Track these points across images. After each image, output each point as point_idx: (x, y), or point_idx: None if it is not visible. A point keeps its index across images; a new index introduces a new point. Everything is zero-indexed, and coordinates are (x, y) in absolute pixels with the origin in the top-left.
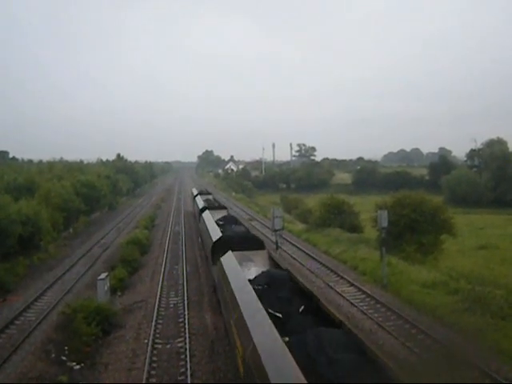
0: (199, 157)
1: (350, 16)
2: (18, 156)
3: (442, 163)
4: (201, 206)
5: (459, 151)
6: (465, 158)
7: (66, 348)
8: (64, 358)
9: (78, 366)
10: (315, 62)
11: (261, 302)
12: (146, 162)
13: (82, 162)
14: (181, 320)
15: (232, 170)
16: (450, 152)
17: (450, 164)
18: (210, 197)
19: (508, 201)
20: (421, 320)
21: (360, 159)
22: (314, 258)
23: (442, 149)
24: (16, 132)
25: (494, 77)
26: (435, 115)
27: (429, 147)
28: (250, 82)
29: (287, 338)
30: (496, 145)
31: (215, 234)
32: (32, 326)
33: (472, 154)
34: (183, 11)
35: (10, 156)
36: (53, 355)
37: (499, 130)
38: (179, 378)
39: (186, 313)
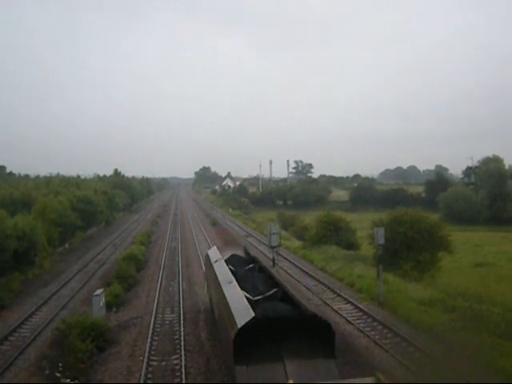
0: (196, 173)
1: (348, 30)
2: (15, 171)
3: (439, 181)
4: None
5: (456, 169)
6: (461, 176)
7: (60, 364)
8: (58, 374)
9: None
10: (314, 79)
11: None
12: (142, 177)
13: (79, 177)
14: (176, 337)
15: (229, 186)
16: (446, 170)
17: (447, 181)
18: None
19: (504, 218)
20: (418, 338)
21: (357, 176)
22: (310, 275)
23: (438, 166)
24: (13, 147)
25: (493, 99)
26: (433, 133)
27: (426, 165)
28: (248, 99)
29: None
30: (492, 162)
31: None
32: (26, 342)
33: (468, 171)
34: (180, 25)
35: (7, 171)
36: (47, 372)
37: (496, 149)
38: None
39: (182, 330)
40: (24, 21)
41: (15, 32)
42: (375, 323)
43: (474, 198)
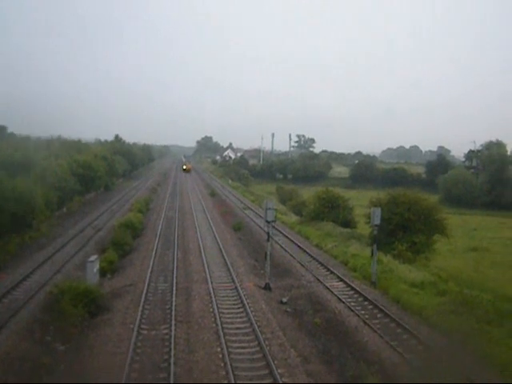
0: (198, 142)
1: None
2: (16, 131)
3: (440, 162)
4: None
5: (458, 151)
6: (463, 159)
7: (52, 329)
8: (49, 338)
9: (62, 347)
10: (318, 54)
11: None
12: (144, 144)
13: (80, 141)
14: (168, 307)
15: (230, 157)
16: (448, 151)
17: (448, 163)
18: None
19: (503, 204)
20: (407, 319)
21: (358, 153)
22: (305, 251)
23: (440, 147)
24: (15, 107)
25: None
26: (437, 112)
27: (428, 145)
28: (252, 72)
29: None
30: (494, 147)
31: None
32: (19, 305)
33: (470, 155)
34: None
35: (9, 131)
36: (38, 335)
37: (499, 133)
38: (162, 366)
39: (174, 300)
40: None
41: None
42: (366, 302)
43: (474, 181)
